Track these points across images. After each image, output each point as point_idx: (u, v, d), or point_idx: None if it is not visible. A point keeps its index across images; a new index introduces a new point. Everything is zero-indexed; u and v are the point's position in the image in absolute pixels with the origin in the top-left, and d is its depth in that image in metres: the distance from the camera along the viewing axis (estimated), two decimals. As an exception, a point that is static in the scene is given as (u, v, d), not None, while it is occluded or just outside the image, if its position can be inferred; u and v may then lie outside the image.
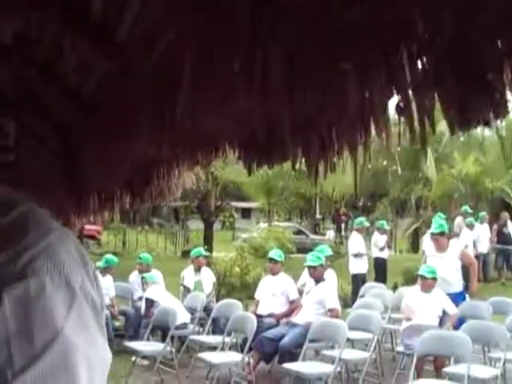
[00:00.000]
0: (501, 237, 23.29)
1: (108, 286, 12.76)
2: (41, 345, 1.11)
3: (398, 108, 1.44)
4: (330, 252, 12.85)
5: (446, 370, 8.63)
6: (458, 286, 11.45)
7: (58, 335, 1.13)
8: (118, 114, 2.79)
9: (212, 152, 2.48)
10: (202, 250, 14.22)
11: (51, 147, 4.22)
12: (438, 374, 9.08)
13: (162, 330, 11.31)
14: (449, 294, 10.48)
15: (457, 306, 10.35)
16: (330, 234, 42.26)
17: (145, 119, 2.35)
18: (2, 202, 1.34)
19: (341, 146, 1.65)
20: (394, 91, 1.40)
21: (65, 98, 3.09)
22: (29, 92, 3.10)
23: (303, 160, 1.81)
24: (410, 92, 1.37)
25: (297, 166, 1.84)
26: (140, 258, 13.57)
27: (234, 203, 41.43)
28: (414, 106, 1.44)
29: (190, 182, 3.65)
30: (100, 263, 13.20)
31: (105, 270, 12.90)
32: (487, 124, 1.40)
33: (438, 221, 12.27)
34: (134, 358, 10.37)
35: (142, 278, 12.46)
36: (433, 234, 11.90)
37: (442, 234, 11.67)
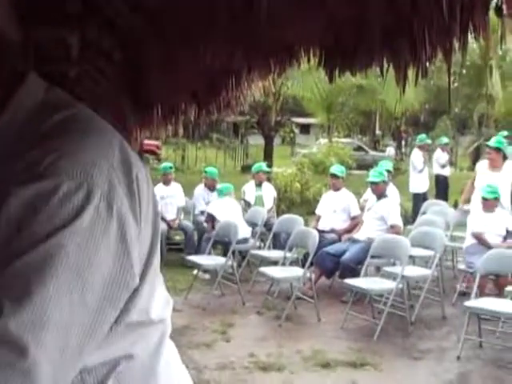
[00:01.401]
0: None
1: (173, 194, 12.85)
2: (33, 239, 1.14)
3: (498, 10, 1.32)
4: (391, 167, 12.71)
5: (509, 288, 8.55)
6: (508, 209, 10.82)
7: (52, 235, 1.15)
8: (186, 22, 2.69)
9: (287, 59, 2.38)
10: (263, 165, 14.17)
11: (115, 60, 4.16)
12: (501, 293, 9.01)
13: (223, 245, 11.38)
14: None
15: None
16: (390, 150, 41.88)
17: (217, 25, 2.25)
18: (50, 104, 1.38)
19: (434, 51, 1.54)
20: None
21: (129, 9, 3.00)
22: (92, 4, 3.02)
23: (391, 65, 1.70)
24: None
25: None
26: (206, 172, 13.55)
27: (293, 119, 41.22)
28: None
29: (258, 94, 3.55)
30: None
31: (164, 178, 12.99)
32: None
33: (498, 138, 11.73)
34: (195, 272, 10.49)
35: (218, 189, 12.47)
36: (488, 148, 11.45)
37: (497, 150, 11.09)
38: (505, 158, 11.15)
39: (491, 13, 1.38)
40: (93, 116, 1.40)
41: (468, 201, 11.28)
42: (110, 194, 1.22)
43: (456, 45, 1.45)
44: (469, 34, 1.40)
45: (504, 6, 1.30)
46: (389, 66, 1.73)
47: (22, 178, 1.19)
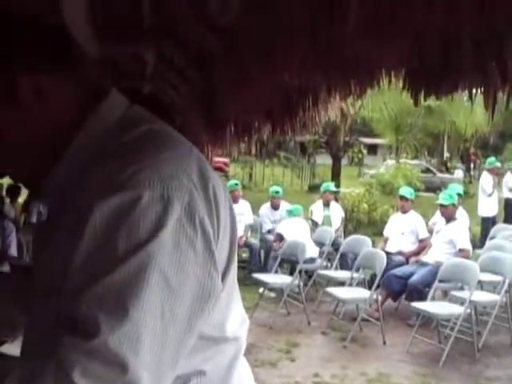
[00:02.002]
0: None
1: (242, 211, 12.87)
2: (122, 254, 1.16)
3: None
4: (461, 190, 12.54)
5: None
6: None
7: (140, 249, 1.16)
8: (263, 41, 2.70)
9: (368, 81, 2.36)
10: (330, 184, 14.14)
11: (188, 78, 4.19)
12: None
13: (289, 264, 11.37)
14: None
15: None
16: (459, 173, 41.33)
17: (297, 45, 2.25)
18: (130, 120, 1.41)
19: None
20: None
21: (205, 28, 3.02)
22: (168, 21, 3.05)
23: (481, 90, 1.67)
24: None
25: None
26: (272, 192, 13.58)
27: (361, 139, 41.00)
28: None
29: (334, 116, 3.54)
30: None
31: (231, 195, 12.99)
32: None
33: None
34: (261, 290, 10.49)
35: (288, 210, 12.47)
36: None
37: None
38: None
39: None
40: (171, 131, 1.43)
41: None
42: (191, 206, 1.23)
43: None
44: None
45: None
46: (477, 90, 1.70)
47: (103, 190, 1.21)
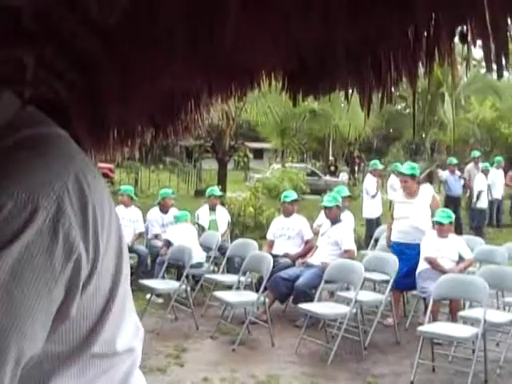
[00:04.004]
0: (515, 183, 23.16)
1: (135, 218, 12.76)
2: None
3: (463, 37, 1.34)
4: (347, 192, 12.73)
5: (462, 313, 8.62)
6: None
7: None
8: (145, 46, 2.67)
9: (248, 83, 2.37)
10: (215, 189, 14.19)
11: (70, 82, 4.11)
12: (453, 317, 9.09)
13: (177, 269, 11.34)
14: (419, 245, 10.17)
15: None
16: (344, 175, 42.11)
17: (177, 50, 2.24)
18: (17, 122, 1.35)
19: (399, 75, 1.55)
20: (467, 18, 1.29)
21: (86, 30, 2.97)
22: (50, 24, 2.98)
23: (357, 90, 1.71)
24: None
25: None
26: (161, 194, 13.52)
27: (247, 143, 41.29)
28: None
29: (217, 118, 3.55)
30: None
31: (122, 201, 12.84)
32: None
33: (410, 165, 11.35)
34: (148, 296, 10.41)
35: (175, 216, 12.41)
36: (402, 175, 10.90)
37: (412, 176, 10.67)
38: (418, 182, 10.96)
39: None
40: (60, 136, 1.38)
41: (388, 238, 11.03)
42: (57, 217, 1.18)
43: (421, 70, 1.47)
44: (434, 59, 1.41)
45: (469, 34, 1.32)
46: (353, 90, 1.74)
47: None
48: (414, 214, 10.30)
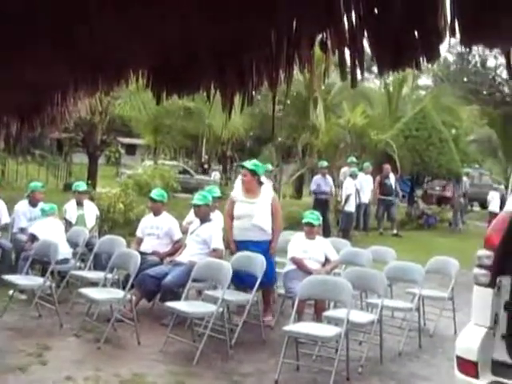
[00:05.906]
0: (382, 188, 23.96)
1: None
2: None
3: (323, 45, 1.36)
4: (218, 193, 12.75)
5: (326, 313, 8.79)
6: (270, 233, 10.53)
7: None
8: (5, 30, 2.61)
9: (115, 78, 2.35)
10: (83, 183, 13.98)
11: None
12: (318, 317, 9.26)
13: (41, 264, 11.08)
14: (263, 242, 10.30)
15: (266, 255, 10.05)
16: (216, 175, 42.30)
17: (38, 37, 2.20)
18: None
19: (260, 80, 1.57)
20: (326, 27, 1.32)
21: None
22: None
23: (218, 91, 1.72)
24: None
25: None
26: (30, 187, 13.18)
27: (119, 139, 40.89)
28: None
29: (85, 112, 3.50)
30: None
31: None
32: (418, 67, 1.35)
33: (256, 162, 10.95)
34: (11, 292, 10.13)
35: (42, 209, 12.07)
36: (244, 168, 10.66)
37: (253, 172, 10.36)
38: (260, 182, 10.57)
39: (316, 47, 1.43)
40: None
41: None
42: None
43: (282, 75, 1.49)
44: (294, 65, 1.43)
45: (328, 42, 1.34)
46: (216, 91, 1.74)
47: None
48: (258, 214, 10.31)
